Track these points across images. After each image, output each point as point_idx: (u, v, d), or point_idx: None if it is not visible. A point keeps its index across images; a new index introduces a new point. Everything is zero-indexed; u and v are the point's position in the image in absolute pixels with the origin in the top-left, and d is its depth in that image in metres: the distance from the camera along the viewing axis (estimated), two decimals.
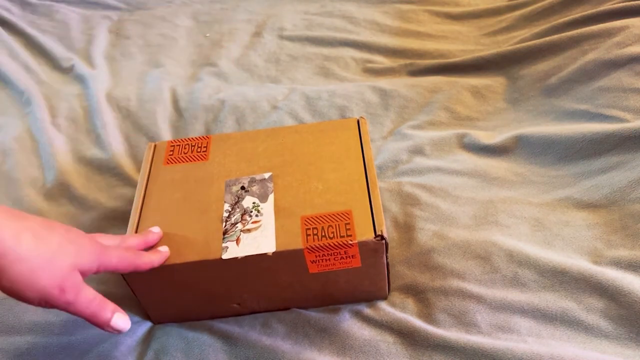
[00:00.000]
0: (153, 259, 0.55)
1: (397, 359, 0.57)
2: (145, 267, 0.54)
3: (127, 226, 0.60)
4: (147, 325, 0.63)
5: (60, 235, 0.47)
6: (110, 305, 0.50)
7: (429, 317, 0.60)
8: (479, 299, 0.60)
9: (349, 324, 0.60)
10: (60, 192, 0.80)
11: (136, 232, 0.59)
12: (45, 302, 0.46)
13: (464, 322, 0.59)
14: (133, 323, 0.62)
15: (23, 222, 0.45)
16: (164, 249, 0.57)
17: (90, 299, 0.49)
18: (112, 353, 0.60)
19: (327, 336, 0.59)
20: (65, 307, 0.48)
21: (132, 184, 0.80)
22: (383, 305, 0.61)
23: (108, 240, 0.55)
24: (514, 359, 0.54)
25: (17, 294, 0.45)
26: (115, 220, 0.75)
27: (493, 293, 0.60)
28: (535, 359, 0.53)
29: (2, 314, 0.64)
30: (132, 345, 0.61)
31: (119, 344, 0.60)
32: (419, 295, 0.62)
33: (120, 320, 0.51)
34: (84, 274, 0.49)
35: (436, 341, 0.57)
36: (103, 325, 0.50)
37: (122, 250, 0.53)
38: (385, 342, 0.58)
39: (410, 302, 0.62)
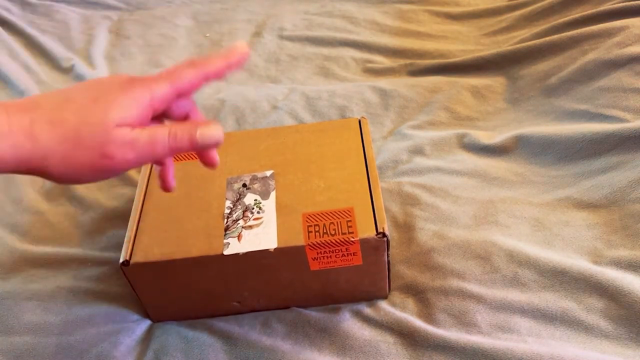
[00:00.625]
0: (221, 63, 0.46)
1: (397, 359, 0.57)
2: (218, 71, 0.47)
3: (127, 225, 0.60)
4: (147, 323, 0.63)
5: (77, 101, 0.42)
6: (188, 125, 0.44)
7: (429, 317, 0.60)
8: (479, 299, 0.60)
9: (349, 323, 0.60)
10: (60, 192, 0.80)
11: (137, 231, 0.59)
12: (108, 175, 0.43)
13: (464, 322, 0.59)
14: (132, 322, 0.62)
15: (30, 113, 0.40)
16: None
17: (160, 133, 0.43)
18: (111, 353, 0.59)
19: (327, 336, 0.59)
20: (148, 161, 0.44)
21: (132, 183, 0.80)
22: (383, 305, 0.61)
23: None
24: (514, 359, 0.53)
25: (81, 181, 0.42)
26: (115, 220, 0.75)
27: (493, 293, 0.60)
28: (535, 359, 0.53)
29: (1, 314, 0.64)
30: (131, 345, 0.60)
31: (118, 344, 0.60)
32: (419, 295, 0.62)
33: (207, 132, 0.45)
34: (141, 121, 0.43)
35: (436, 341, 0.57)
36: (193, 146, 0.45)
37: (165, 78, 0.46)
38: (386, 342, 0.58)
39: (410, 302, 0.62)
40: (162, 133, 0.43)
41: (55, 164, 0.40)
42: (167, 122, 0.48)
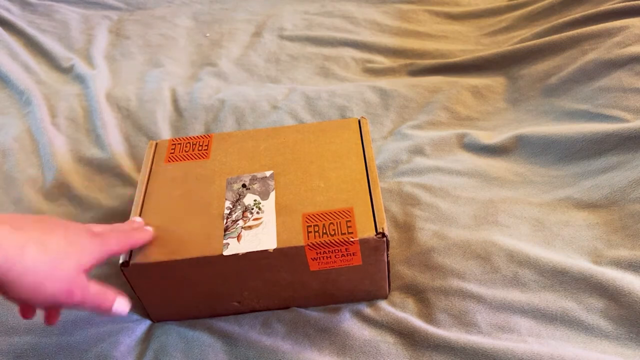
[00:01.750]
0: (144, 236, 0.57)
1: (397, 359, 0.57)
2: (141, 242, 0.57)
3: None
4: (147, 323, 0.63)
5: (60, 238, 0.48)
6: (110, 295, 0.52)
7: (429, 317, 0.60)
8: (479, 299, 0.60)
9: (349, 324, 0.60)
10: (60, 192, 0.80)
11: None
12: (54, 305, 0.48)
13: (464, 322, 0.59)
14: (132, 321, 0.62)
15: (24, 233, 0.45)
16: (148, 228, 0.59)
17: (94, 293, 0.50)
18: (111, 353, 0.59)
19: (327, 336, 0.59)
20: (73, 306, 0.49)
21: (132, 183, 0.80)
22: (383, 305, 0.61)
23: (100, 228, 0.56)
24: (514, 359, 0.54)
25: (26, 302, 0.47)
26: (115, 220, 0.74)
27: (493, 293, 0.60)
28: (535, 359, 0.53)
29: (1, 315, 0.64)
30: (131, 345, 0.60)
31: (118, 344, 0.60)
32: (419, 295, 0.62)
33: (120, 305, 0.53)
34: (88, 270, 0.50)
35: (436, 341, 0.57)
36: (106, 313, 0.53)
37: (117, 233, 0.55)
38: (386, 342, 0.58)
39: (410, 302, 0.62)
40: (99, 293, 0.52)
41: (18, 279, 0.44)
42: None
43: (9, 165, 0.85)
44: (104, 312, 0.52)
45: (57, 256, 0.47)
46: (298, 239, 0.56)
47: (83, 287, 0.49)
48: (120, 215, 0.75)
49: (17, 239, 0.45)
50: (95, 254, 0.51)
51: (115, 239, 0.54)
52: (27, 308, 0.54)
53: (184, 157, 0.66)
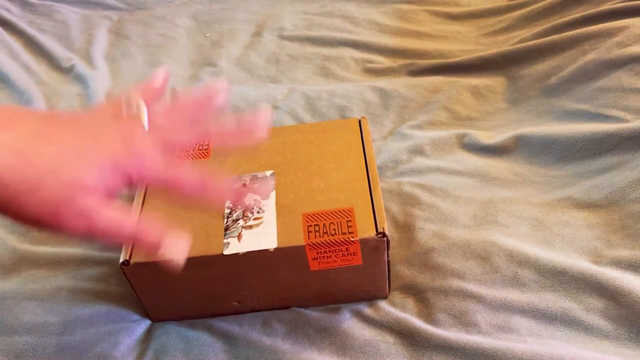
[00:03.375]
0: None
1: (397, 359, 0.57)
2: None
3: None
4: (147, 323, 0.63)
5: (58, 147, 0.37)
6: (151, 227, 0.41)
7: (429, 317, 0.60)
8: (479, 299, 0.60)
9: (349, 324, 0.60)
10: None
11: None
12: (57, 231, 0.38)
13: (464, 322, 0.59)
14: (132, 321, 0.62)
15: (5, 132, 0.36)
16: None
17: (114, 224, 0.39)
18: (111, 353, 0.59)
19: (327, 336, 0.59)
20: (84, 237, 0.39)
21: None
22: (383, 305, 0.61)
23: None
24: (514, 359, 0.54)
25: (23, 223, 0.38)
26: None
27: (493, 293, 0.60)
28: (535, 359, 0.53)
29: (1, 314, 0.64)
30: (131, 345, 0.60)
31: (118, 344, 0.60)
32: (419, 295, 0.62)
33: (171, 247, 0.42)
34: (103, 191, 0.39)
35: (436, 341, 0.57)
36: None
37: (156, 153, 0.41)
38: (386, 342, 0.58)
39: (410, 302, 0.62)
40: (129, 225, 0.40)
41: (12, 195, 0.36)
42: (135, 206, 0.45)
43: None
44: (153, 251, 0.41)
45: (41, 167, 0.36)
46: (298, 239, 0.56)
47: (80, 214, 0.38)
48: None
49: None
50: (118, 170, 0.39)
51: (152, 164, 0.40)
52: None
53: (185, 157, 0.66)
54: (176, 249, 0.42)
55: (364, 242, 0.55)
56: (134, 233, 0.41)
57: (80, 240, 0.38)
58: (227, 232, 0.57)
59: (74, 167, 0.37)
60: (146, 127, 0.43)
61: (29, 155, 0.36)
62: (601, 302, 0.58)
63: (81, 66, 1.03)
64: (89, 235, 0.39)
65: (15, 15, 1.21)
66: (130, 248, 0.57)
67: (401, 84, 0.92)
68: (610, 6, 0.88)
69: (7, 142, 0.36)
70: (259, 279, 0.58)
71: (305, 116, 0.88)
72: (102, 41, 1.12)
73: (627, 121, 0.72)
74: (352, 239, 0.55)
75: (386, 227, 0.55)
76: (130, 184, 0.40)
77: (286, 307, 0.62)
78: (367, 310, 0.61)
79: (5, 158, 0.35)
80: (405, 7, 1.14)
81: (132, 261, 0.56)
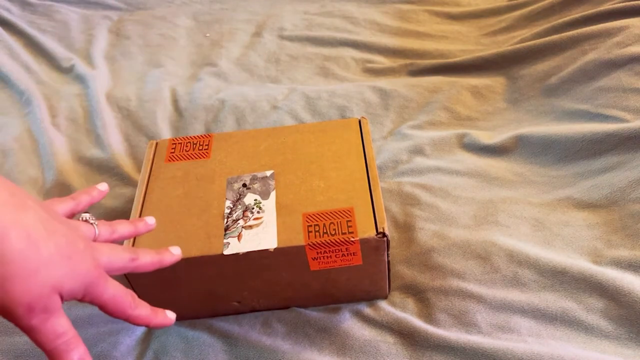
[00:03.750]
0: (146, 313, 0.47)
1: (397, 359, 0.57)
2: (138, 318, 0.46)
3: None
4: None
5: (56, 244, 0.39)
6: (80, 350, 0.41)
7: (429, 317, 0.60)
8: (479, 299, 0.60)
9: (349, 324, 0.60)
10: (60, 192, 0.80)
11: None
12: (5, 316, 0.39)
13: (464, 322, 0.59)
14: None
15: (22, 213, 0.38)
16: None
17: (59, 333, 0.40)
18: (111, 353, 0.59)
19: (327, 336, 0.59)
20: (27, 331, 0.39)
21: (132, 183, 0.80)
22: (383, 305, 0.61)
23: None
24: (514, 359, 0.54)
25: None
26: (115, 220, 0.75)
27: (493, 293, 0.60)
28: (535, 359, 0.53)
29: None
30: (131, 345, 0.60)
31: (118, 344, 0.60)
32: (419, 295, 0.62)
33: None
34: (64, 299, 0.40)
35: (436, 341, 0.57)
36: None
37: (118, 289, 0.44)
38: (386, 342, 0.58)
39: (410, 302, 0.62)
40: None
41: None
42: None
43: (9, 165, 0.85)
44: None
45: (40, 261, 0.38)
46: (298, 239, 0.56)
47: (48, 312, 0.39)
48: (120, 215, 0.75)
49: (10, 219, 0.37)
50: (81, 289, 0.41)
51: (112, 295, 0.43)
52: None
53: (184, 157, 0.66)
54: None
55: (364, 242, 0.55)
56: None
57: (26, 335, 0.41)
58: (227, 232, 0.57)
59: (62, 270, 0.39)
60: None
61: (37, 241, 0.38)
62: (601, 302, 0.58)
63: (81, 66, 1.03)
64: (33, 332, 0.39)
65: (15, 15, 1.21)
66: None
67: (401, 84, 0.92)
68: (610, 6, 0.88)
69: (24, 223, 0.37)
70: (259, 279, 0.58)
71: (305, 116, 0.88)
72: (102, 41, 1.12)
73: (627, 121, 0.72)
74: (352, 239, 0.55)
75: (386, 227, 0.55)
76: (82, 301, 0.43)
77: (286, 307, 0.62)
78: (367, 310, 0.61)
79: (18, 237, 0.37)
80: (405, 7, 1.14)
81: None
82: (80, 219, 0.47)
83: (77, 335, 0.41)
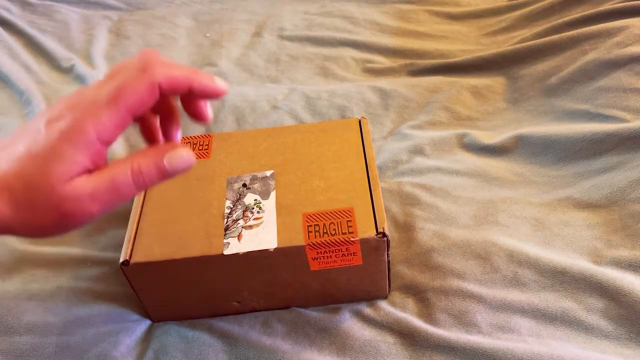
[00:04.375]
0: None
1: (397, 359, 0.57)
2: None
3: (127, 225, 0.60)
4: (147, 323, 0.63)
5: (17, 163, 0.37)
6: (152, 154, 0.40)
7: (429, 317, 0.60)
8: (479, 299, 0.60)
9: (349, 324, 0.60)
10: None
11: (137, 230, 0.59)
12: (76, 227, 0.38)
13: (464, 322, 0.59)
14: (132, 321, 0.62)
15: None
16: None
17: (115, 185, 0.39)
18: (111, 353, 0.59)
19: (327, 336, 0.59)
20: (99, 215, 0.39)
21: None
22: (383, 305, 0.61)
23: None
24: (514, 359, 0.54)
25: (50, 236, 0.39)
26: (115, 220, 0.75)
27: (493, 293, 0.60)
28: (535, 359, 0.53)
29: (1, 314, 0.64)
30: (131, 345, 0.60)
31: (118, 344, 0.60)
32: (419, 295, 0.62)
33: (176, 157, 0.41)
34: (94, 161, 0.38)
35: (436, 341, 0.57)
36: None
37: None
38: (386, 342, 0.58)
39: (410, 302, 0.62)
40: (124, 173, 0.39)
41: (19, 228, 0.37)
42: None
43: None
44: (162, 177, 0.41)
45: (21, 190, 0.36)
46: (298, 239, 0.56)
47: (88, 195, 0.38)
48: (120, 215, 0.75)
49: None
50: (81, 138, 0.37)
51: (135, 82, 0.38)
52: None
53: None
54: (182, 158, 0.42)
55: (364, 242, 0.55)
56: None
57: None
58: (227, 232, 0.57)
59: (38, 172, 0.37)
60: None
61: (5, 186, 0.37)
62: (601, 302, 0.58)
63: (81, 66, 1.03)
64: (108, 208, 0.39)
65: (15, 15, 1.21)
66: (130, 248, 0.57)
67: (401, 84, 0.92)
68: (610, 6, 0.88)
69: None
70: (259, 279, 0.58)
71: (305, 116, 0.88)
72: (102, 41, 1.12)
73: (627, 121, 0.72)
74: (352, 239, 0.55)
75: (386, 227, 0.55)
76: (109, 144, 0.39)
77: (286, 307, 0.62)
78: (367, 310, 0.61)
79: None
80: (405, 7, 1.14)
81: (132, 261, 0.56)
82: None
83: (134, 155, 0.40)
